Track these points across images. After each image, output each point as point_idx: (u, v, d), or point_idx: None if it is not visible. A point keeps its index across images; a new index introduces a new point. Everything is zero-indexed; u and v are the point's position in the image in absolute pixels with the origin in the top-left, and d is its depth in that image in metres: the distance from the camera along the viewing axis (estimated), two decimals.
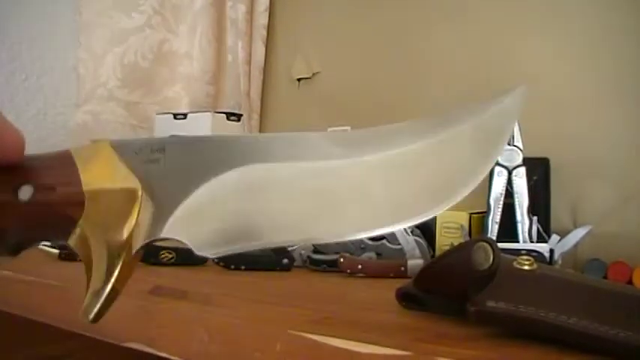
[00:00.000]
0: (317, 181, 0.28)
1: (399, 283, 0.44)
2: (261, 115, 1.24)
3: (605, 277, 0.70)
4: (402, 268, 0.65)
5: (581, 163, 0.82)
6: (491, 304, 0.33)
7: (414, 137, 0.30)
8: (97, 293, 0.25)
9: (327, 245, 0.68)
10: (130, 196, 0.25)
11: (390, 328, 0.39)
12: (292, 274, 0.68)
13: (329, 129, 0.98)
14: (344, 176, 0.29)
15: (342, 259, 0.65)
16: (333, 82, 1.14)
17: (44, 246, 0.68)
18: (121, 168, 0.26)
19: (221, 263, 0.67)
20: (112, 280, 0.24)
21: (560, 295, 0.34)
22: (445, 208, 0.29)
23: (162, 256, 0.67)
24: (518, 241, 0.69)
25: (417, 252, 0.70)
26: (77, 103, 1.19)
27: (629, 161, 0.80)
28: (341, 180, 0.28)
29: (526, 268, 0.35)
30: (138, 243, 0.25)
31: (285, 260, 0.68)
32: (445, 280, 0.39)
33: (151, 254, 0.66)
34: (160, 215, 0.26)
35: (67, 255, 0.66)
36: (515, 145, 0.70)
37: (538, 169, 0.80)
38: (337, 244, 0.68)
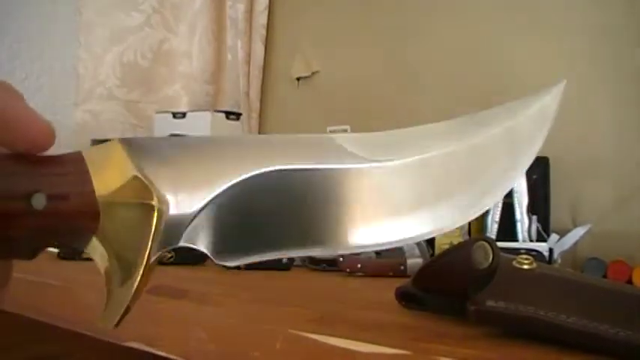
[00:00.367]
0: (341, 186, 0.27)
1: (398, 282, 0.44)
2: (260, 115, 1.24)
3: (604, 276, 0.70)
4: (402, 267, 0.65)
5: (581, 163, 0.82)
6: (490, 303, 0.33)
7: (444, 141, 0.29)
8: (117, 302, 0.24)
9: None
10: (145, 205, 0.24)
11: (389, 327, 0.39)
12: (292, 273, 0.68)
13: (328, 128, 0.98)
14: (368, 181, 0.27)
15: (341, 259, 0.65)
16: (333, 81, 1.14)
17: None
18: (135, 173, 0.24)
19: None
20: (132, 290, 0.24)
21: (560, 295, 0.34)
22: (472, 218, 0.28)
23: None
24: (517, 240, 0.69)
25: (417, 251, 0.70)
26: (77, 102, 1.19)
27: (628, 161, 0.80)
28: (365, 185, 0.27)
29: (525, 267, 0.35)
30: (154, 253, 0.25)
31: (285, 260, 0.68)
32: (444, 280, 0.39)
33: None
34: (177, 223, 0.25)
35: (67, 254, 0.66)
36: None
37: (537, 168, 0.80)
38: None
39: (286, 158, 0.27)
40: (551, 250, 0.68)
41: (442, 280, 0.39)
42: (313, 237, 0.27)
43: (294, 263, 0.69)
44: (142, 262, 0.24)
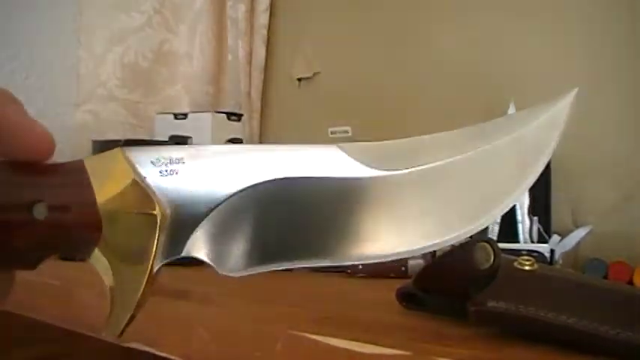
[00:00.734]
0: (348, 196, 0.26)
1: (399, 283, 0.44)
2: (261, 115, 1.24)
3: (605, 277, 0.70)
4: (403, 268, 0.65)
5: (582, 163, 0.82)
6: (491, 304, 0.33)
7: (452, 150, 0.28)
8: (121, 312, 0.24)
9: None
10: (147, 214, 0.24)
11: (390, 328, 0.39)
12: (292, 273, 0.68)
13: (329, 129, 0.98)
14: (375, 191, 0.27)
15: None
16: (334, 81, 1.14)
17: None
18: (137, 184, 0.24)
19: None
20: (135, 300, 0.24)
21: (561, 295, 0.34)
22: (481, 228, 0.28)
23: None
24: (518, 242, 0.69)
25: None
26: (77, 103, 1.19)
27: (629, 161, 0.79)
28: (372, 194, 0.27)
29: (527, 268, 0.35)
30: (157, 263, 0.24)
31: None
32: (445, 280, 0.39)
33: None
34: (180, 234, 0.25)
35: None
36: None
37: None
38: None
39: (291, 167, 0.26)
40: (552, 251, 0.68)
41: (443, 281, 0.39)
42: (318, 248, 0.26)
43: None
44: (145, 272, 0.24)
